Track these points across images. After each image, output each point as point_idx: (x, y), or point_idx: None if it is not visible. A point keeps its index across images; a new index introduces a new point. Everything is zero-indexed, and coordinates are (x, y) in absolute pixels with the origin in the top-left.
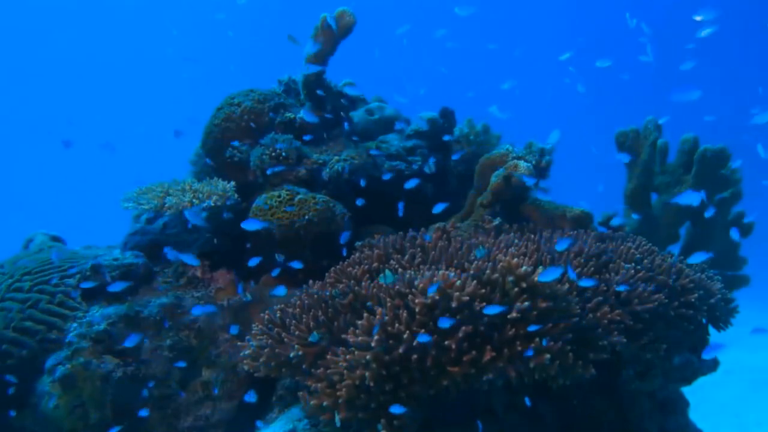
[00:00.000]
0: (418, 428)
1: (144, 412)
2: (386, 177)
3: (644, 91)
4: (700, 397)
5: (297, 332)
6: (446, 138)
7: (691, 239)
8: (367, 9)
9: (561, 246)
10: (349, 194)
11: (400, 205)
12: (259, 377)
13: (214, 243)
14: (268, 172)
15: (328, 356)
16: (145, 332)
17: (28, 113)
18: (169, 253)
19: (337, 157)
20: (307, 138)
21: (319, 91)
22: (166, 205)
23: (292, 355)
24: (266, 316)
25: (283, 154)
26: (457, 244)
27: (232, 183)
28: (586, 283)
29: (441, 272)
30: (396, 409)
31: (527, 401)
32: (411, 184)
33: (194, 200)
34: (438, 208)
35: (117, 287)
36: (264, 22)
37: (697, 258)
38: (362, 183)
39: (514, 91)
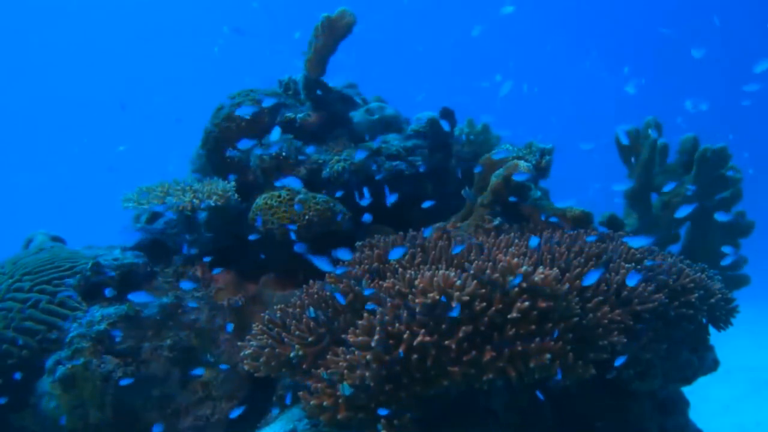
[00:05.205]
0: (418, 428)
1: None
2: (378, 177)
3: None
4: (700, 397)
5: (297, 332)
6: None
7: (691, 239)
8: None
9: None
10: (348, 194)
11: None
12: (259, 377)
13: (214, 243)
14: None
15: (329, 356)
16: (145, 332)
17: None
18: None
19: (337, 157)
20: (307, 138)
21: (318, 91)
22: (167, 205)
23: (292, 354)
24: (266, 316)
25: (283, 153)
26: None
27: (232, 183)
28: None
29: (441, 272)
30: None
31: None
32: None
33: (194, 200)
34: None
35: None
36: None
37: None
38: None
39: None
